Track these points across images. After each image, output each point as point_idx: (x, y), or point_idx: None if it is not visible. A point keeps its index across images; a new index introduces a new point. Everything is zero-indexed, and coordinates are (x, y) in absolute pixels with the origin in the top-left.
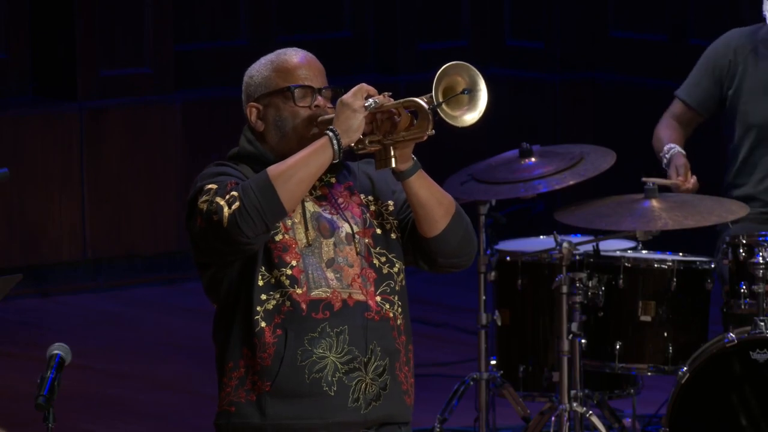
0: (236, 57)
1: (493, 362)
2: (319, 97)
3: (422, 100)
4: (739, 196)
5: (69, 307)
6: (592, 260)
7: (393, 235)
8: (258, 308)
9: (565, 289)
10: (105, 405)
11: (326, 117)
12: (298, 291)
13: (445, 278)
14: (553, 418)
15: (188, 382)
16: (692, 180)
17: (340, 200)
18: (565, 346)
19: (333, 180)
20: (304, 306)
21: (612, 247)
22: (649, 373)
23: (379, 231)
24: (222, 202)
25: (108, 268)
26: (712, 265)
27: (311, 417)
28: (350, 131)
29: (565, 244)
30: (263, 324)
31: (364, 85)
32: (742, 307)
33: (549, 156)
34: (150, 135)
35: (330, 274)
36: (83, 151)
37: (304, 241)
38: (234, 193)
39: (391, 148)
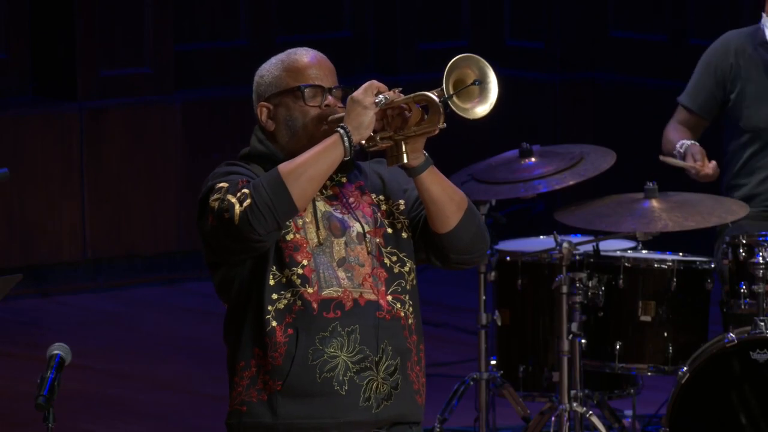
0: (236, 57)
1: (493, 362)
2: (330, 97)
3: (433, 93)
4: (739, 196)
5: (69, 307)
6: (592, 260)
7: (404, 235)
8: (269, 308)
9: (565, 289)
10: (105, 405)
11: (337, 116)
12: (309, 290)
13: (445, 278)
14: (553, 418)
15: (188, 382)
16: (711, 164)
17: (351, 200)
18: (565, 346)
19: (344, 179)
20: (315, 305)
21: (612, 247)
22: (649, 373)
23: (390, 230)
24: (233, 200)
25: (108, 268)
26: (712, 265)
27: (322, 416)
28: (361, 128)
29: (565, 244)
30: (274, 323)
31: (374, 81)
32: (742, 307)
33: (549, 156)
34: (150, 135)
35: (341, 274)
36: (83, 151)
37: (315, 240)
38: (245, 190)
39: (403, 143)
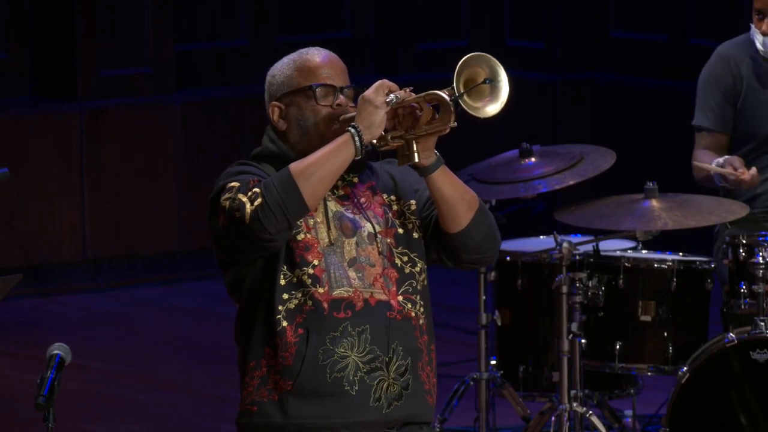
0: (236, 57)
1: (493, 362)
2: (341, 96)
3: (444, 92)
4: (741, 200)
5: (69, 307)
6: (592, 260)
7: (415, 235)
8: (280, 307)
9: (565, 289)
10: (105, 405)
11: (348, 115)
12: (320, 290)
13: (445, 278)
14: (553, 418)
15: (188, 382)
16: (751, 171)
17: (363, 200)
18: (565, 346)
19: (355, 179)
20: (325, 305)
21: (612, 247)
22: (649, 373)
23: (401, 231)
24: (244, 199)
25: (108, 268)
26: (712, 265)
27: (333, 416)
28: (372, 127)
29: (565, 244)
30: (285, 323)
31: (385, 81)
32: (742, 307)
33: (549, 156)
34: (150, 135)
35: (352, 274)
36: (83, 151)
37: (327, 240)
38: (256, 189)
39: (414, 142)
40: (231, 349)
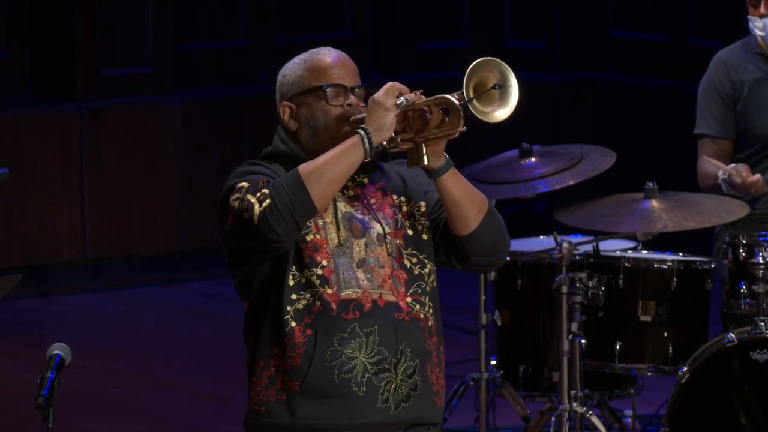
0: (236, 57)
1: (493, 362)
2: (352, 96)
3: (453, 96)
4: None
5: (69, 307)
6: (592, 260)
7: (424, 236)
8: (288, 308)
9: (565, 289)
10: (105, 405)
11: (358, 116)
12: (329, 291)
13: (445, 278)
14: (553, 418)
15: (188, 382)
16: (755, 176)
17: (373, 201)
18: (565, 346)
19: (365, 180)
20: (334, 306)
21: (612, 247)
22: (649, 373)
23: (410, 232)
24: (253, 200)
25: (108, 268)
26: (712, 265)
27: (340, 417)
28: (382, 130)
29: (565, 244)
30: (293, 324)
31: (395, 83)
32: (742, 307)
33: (549, 156)
34: (150, 135)
35: (361, 275)
36: (83, 151)
37: (336, 241)
38: (265, 190)
39: (423, 145)
40: (231, 349)
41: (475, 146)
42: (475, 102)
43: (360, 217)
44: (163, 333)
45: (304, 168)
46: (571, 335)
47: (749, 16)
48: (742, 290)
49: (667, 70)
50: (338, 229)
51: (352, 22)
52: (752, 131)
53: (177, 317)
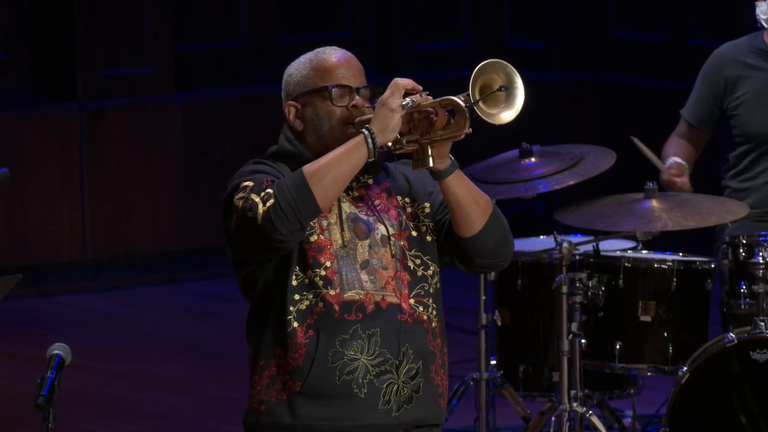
0: (236, 57)
1: (493, 362)
2: (357, 97)
3: (459, 98)
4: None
5: (69, 307)
6: (592, 260)
7: (428, 238)
8: (291, 308)
9: (565, 289)
10: (105, 405)
11: (364, 117)
12: (332, 292)
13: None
14: (553, 418)
15: (188, 382)
16: (684, 178)
17: (377, 202)
18: (565, 346)
19: (370, 181)
20: (336, 307)
21: (612, 247)
22: (649, 373)
23: (414, 233)
24: (257, 199)
25: (108, 268)
26: (712, 265)
27: (341, 419)
28: (386, 131)
29: (565, 244)
30: (295, 324)
31: (400, 81)
32: (742, 307)
33: (549, 156)
34: (150, 135)
35: (364, 276)
36: (83, 151)
37: (340, 242)
38: (269, 190)
39: (429, 147)
40: (231, 349)
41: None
42: (481, 104)
43: (364, 218)
44: (163, 333)
45: (307, 168)
46: (571, 335)
47: (756, 2)
48: (742, 290)
49: (667, 70)
50: (342, 230)
51: (352, 22)
52: (742, 128)
53: (177, 317)
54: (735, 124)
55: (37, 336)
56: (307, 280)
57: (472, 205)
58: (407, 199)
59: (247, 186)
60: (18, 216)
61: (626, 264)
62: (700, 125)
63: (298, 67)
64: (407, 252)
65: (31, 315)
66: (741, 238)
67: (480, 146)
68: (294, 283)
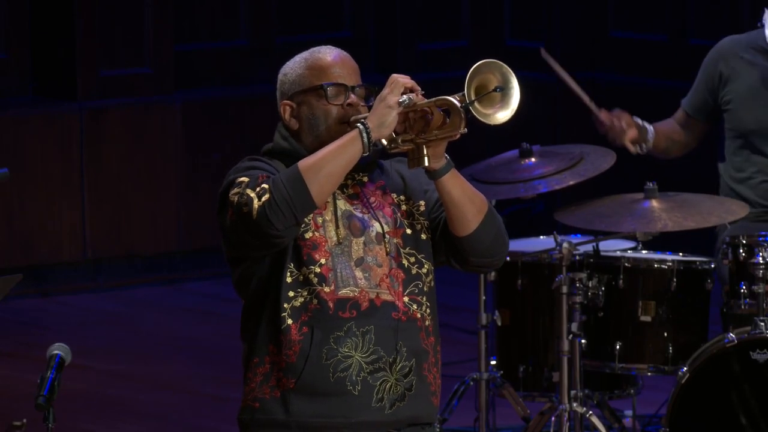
0: (236, 57)
1: (493, 362)
2: (353, 95)
3: (455, 98)
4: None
5: (69, 307)
6: (592, 260)
7: (423, 236)
8: (285, 305)
9: (565, 289)
10: (105, 405)
11: (359, 116)
12: (326, 289)
13: (445, 278)
14: (553, 418)
15: (188, 382)
16: (623, 121)
17: (372, 199)
18: (565, 346)
19: (365, 179)
20: (331, 304)
21: (612, 247)
22: (649, 373)
23: (409, 231)
24: (252, 194)
25: (108, 268)
26: (712, 265)
27: (334, 416)
28: (382, 127)
29: (565, 244)
30: (290, 321)
31: (399, 79)
32: (742, 307)
33: (549, 156)
34: (150, 135)
35: (358, 274)
36: (83, 151)
37: (335, 239)
38: (264, 185)
39: (424, 146)
40: (231, 349)
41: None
42: (476, 104)
43: (359, 215)
44: (163, 333)
45: (303, 163)
46: (571, 335)
47: (766, 8)
48: (742, 290)
49: (667, 70)
50: (337, 227)
51: (352, 22)
52: (734, 123)
53: (177, 317)
54: (728, 118)
55: (37, 336)
56: (301, 277)
57: (468, 204)
58: (402, 197)
59: (242, 181)
60: (18, 216)
61: (626, 264)
62: (695, 114)
63: (293, 67)
64: (402, 250)
65: (31, 315)
66: (741, 238)
67: (479, 146)
68: (288, 280)
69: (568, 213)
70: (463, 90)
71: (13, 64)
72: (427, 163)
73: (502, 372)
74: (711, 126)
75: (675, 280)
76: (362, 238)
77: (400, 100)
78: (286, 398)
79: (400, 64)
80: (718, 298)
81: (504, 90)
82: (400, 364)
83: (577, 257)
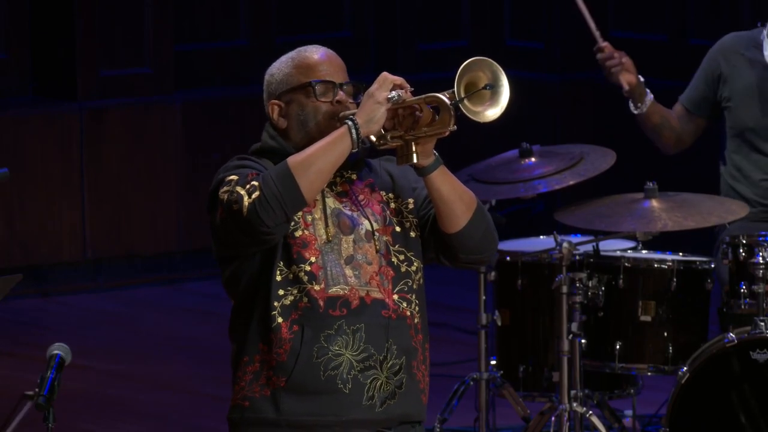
0: (236, 57)
1: (493, 362)
2: (341, 92)
3: (444, 95)
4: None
5: (69, 307)
6: (592, 260)
7: (412, 234)
8: (275, 303)
9: (565, 289)
10: (105, 405)
11: (348, 112)
12: (316, 287)
13: (445, 278)
14: (553, 418)
15: (188, 382)
16: (624, 59)
17: (361, 197)
18: (565, 346)
19: (354, 177)
20: (321, 303)
21: (612, 247)
22: (649, 373)
23: (398, 229)
24: (242, 192)
25: (108, 268)
26: (712, 265)
27: (325, 414)
28: (371, 122)
29: (565, 244)
30: (280, 319)
31: (388, 75)
32: (742, 307)
33: (549, 156)
34: (150, 135)
35: (348, 272)
36: (83, 151)
37: (324, 237)
38: (255, 182)
39: (413, 143)
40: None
41: (475, 146)
42: (465, 101)
43: (348, 213)
44: (163, 333)
45: (292, 160)
46: (571, 335)
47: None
48: (742, 290)
49: (667, 70)
50: (327, 225)
51: (352, 22)
52: (734, 120)
53: (177, 317)
54: (728, 116)
55: (37, 336)
56: (291, 276)
57: (457, 201)
58: (391, 195)
59: (232, 179)
60: (18, 216)
61: (626, 264)
62: (694, 109)
63: (279, 66)
64: (391, 247)
65: (31, 315)
66: (741, 238)
67: (479, 146)
68: (278, 278)
69: (568, 213)
70: (453, 87)
71: (13, 64)
72: (415, 160)
73: (502, 372)
74: (708, 123)
75: (675, 280)
76: (352, 236)
77: (389, 96)
78: (277, 397)
79: (400, 64)
80: (718, 298)
81: (494, 88)
82: (391, 362)
83: (577, 257)
